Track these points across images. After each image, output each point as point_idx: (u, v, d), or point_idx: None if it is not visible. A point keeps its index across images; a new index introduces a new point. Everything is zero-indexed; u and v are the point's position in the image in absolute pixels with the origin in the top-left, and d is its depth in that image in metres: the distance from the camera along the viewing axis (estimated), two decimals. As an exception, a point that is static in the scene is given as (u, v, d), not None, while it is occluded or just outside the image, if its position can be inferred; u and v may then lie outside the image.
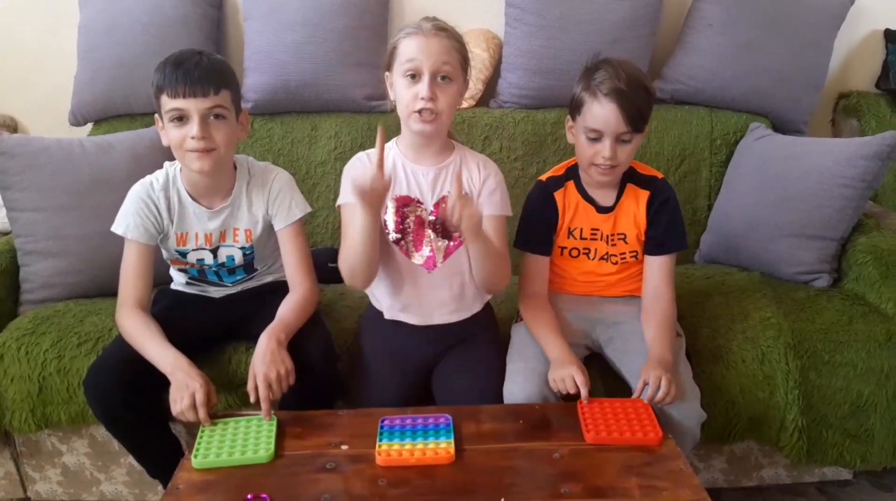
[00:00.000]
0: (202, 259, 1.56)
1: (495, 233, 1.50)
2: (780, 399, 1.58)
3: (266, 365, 1.36)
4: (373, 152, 1.47)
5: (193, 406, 1.32)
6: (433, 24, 1.39)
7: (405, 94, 1.39)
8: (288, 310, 1.49)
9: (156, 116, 1.46)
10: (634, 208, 1.54)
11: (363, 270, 1.41)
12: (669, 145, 2.16)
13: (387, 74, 1.45)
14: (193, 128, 1.39)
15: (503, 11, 2.19)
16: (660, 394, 1.32)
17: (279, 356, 1.38)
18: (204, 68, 1.40)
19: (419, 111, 1.38)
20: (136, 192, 1.51)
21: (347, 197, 1.45)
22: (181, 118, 1.40)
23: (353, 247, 1.39)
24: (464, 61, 1.42)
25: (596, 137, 1.44)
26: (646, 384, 1.34)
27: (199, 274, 1.60)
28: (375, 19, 2.18)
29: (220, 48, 2.27)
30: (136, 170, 1.58)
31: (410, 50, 1.37)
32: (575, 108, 1.48)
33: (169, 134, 1.43)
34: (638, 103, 1.41)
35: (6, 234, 2.00)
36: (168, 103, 1.39)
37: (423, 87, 1.37)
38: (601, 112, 1.42)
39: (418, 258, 1.50)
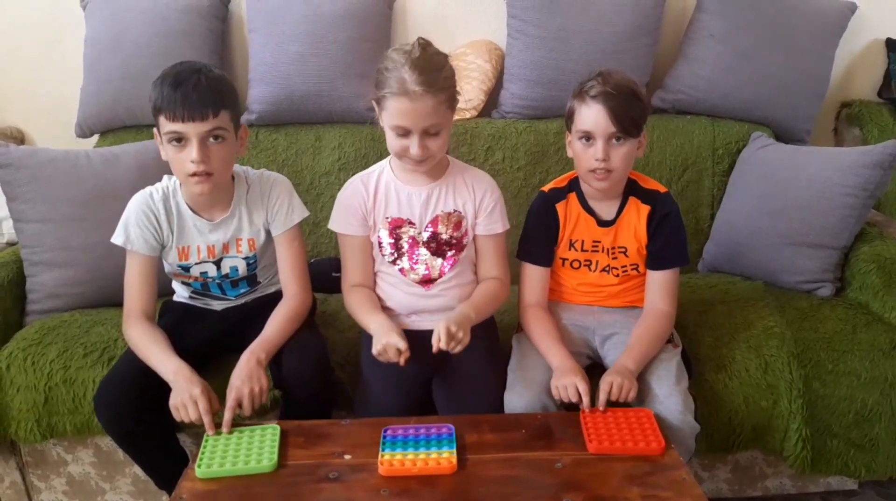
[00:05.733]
0: (205, 272, 1.56)
1: (494, 250, 1.54)
2: (784, 409, 1.58)
3: (241, 381, 1.37)
4: (365, 176, 1.52)
5: (198, 414, 1.33)
6: (419, 82, 1.33)
7: (395, 143, 1.41)
8: (275, 326, 1.49)
9: (154, 130, 1.45)
10: (635, 222, 1.54)
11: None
12: (672, 155, 2.17)
13: (374, 100, 1.42)
14: (192, 152, 1.38)
15: (505, 23, 2.20)
16: (612, 395, 1.36)
17: (256, 374, 1.39)
18: (203, 90, 1.36)
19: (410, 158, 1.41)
20: (136, 203, 1.51)
21: (340, 227, 1.52)
22: (179, 140, 1.39)
23: (356, 318, 1.50)
24: (452, 101, 1.41)
25: (588, 139, 1.46)
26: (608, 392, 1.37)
27: (202, 288, 1.61)
28: (378, 31, 2.19)
29: (224, 60, 2.29)
30: (141, 181, 1.58)
31: (397, 112, 1.36)
32: (569, 117, 1.51)
33: (168, 155, 1.42)
34: (625, 106, 1.43)
35: (13, 245, 2.02)
36: (166, 125, 1.38)
37: (413, 145, 1.38)
38: (590, 114, 1.44)
39: (414, 277, 1.52)
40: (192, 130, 1.37)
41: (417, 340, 1.51)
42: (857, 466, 1.64)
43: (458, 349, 1.37)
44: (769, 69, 2.16)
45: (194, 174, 1.40)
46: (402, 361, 1.35)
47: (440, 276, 1.53)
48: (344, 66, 2.13)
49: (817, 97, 2.23)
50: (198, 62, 1.44)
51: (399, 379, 1.48)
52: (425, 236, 1.51)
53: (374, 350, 1.38)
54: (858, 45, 2.37)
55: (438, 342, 1.34)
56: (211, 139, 1.40)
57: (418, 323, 1.54)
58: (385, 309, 1.55)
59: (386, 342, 1.36)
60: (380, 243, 1.52)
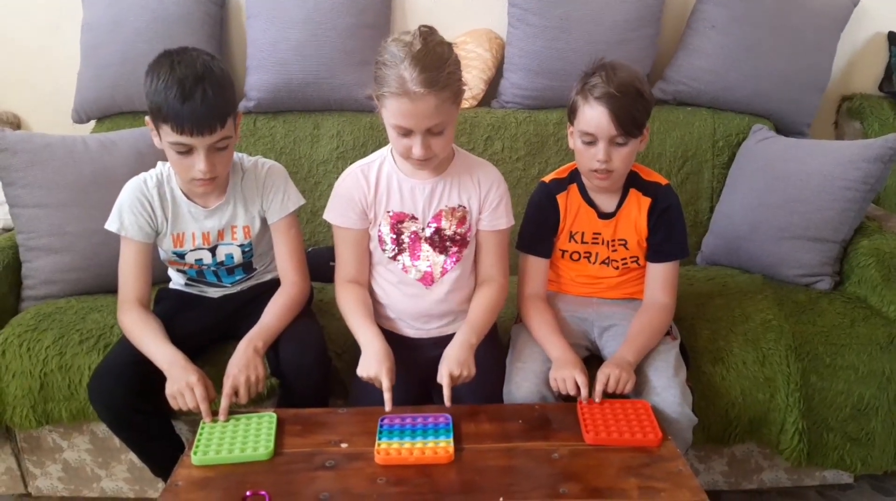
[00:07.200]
0: (200, 259, 1.56)
1: (496, 247, 1.51)
2: (781, 402, 1.58)
3: (238, 369, 1.37)
4: (365, 165, 1.47)
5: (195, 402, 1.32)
6: (421, 81, 1.24)
7: (397, 142, 1.35)
8: (273, 314, 1.49)
9: (147, 118, 1.40)
10: (636, 215, 1.54)
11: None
12: (672, 147, 2.16)
13: (375, 95, 1.34)
14: (200, 163, 1.37)
15: (506, 12, 2.19)
16: (609, 386, 1.35)
17: (253, 362, 1.39)
18: (209, 103, 1.32)
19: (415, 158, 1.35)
20: (130, 189, 1.50)
21: (337, 219, 1.47)
22: (185, 149, 1.36)
23: (346, 320, 1.46)
24: (457, 96, 1.33)
25: (590, 140, 1.44)
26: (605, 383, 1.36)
27: (197, 275, 1.60)
28: (378, 18, 2.18)
29: (222, 46, 2.27)
30: (138, 167, 1.57)
31: (397, 112, 1.28)
32: (571, 112, 1.48)
33: (170, 158, 1.40)
34: (629, 108, 1.39)
35: (8, 230, 2.01)
36: (171, 135, 1.34)
37: (416, 146, 1.31)
38: (593, 115, 1.41)
39: (415, 274, 1.49)
40: (200, 142, 1.35)
41: (415, 347, 1.51)
42: (853, 460, 1.64)
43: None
44: (770, 61, 2.15)
45: (199, 180, 1.40)
46: (386, 404, 1.31)
47: (442, 274, 1.50)
48: (343, 53, 2.12)
49: (818, 90, 2.22)
50: (196, 57, 1.36)
51: (398, 370, 1.47)
52: (428, 231, 1.47)
53: (360, 374, 1.35)
54: (860, 38, 2.36)
55: (447, 387, 1.33)
56: (217, 147, 1.39)
57: (417, 332, 1.53)
58: (381, 306, 1.53)
59: (375, 376, 1.34)
60: (380, 238, 1.48)
